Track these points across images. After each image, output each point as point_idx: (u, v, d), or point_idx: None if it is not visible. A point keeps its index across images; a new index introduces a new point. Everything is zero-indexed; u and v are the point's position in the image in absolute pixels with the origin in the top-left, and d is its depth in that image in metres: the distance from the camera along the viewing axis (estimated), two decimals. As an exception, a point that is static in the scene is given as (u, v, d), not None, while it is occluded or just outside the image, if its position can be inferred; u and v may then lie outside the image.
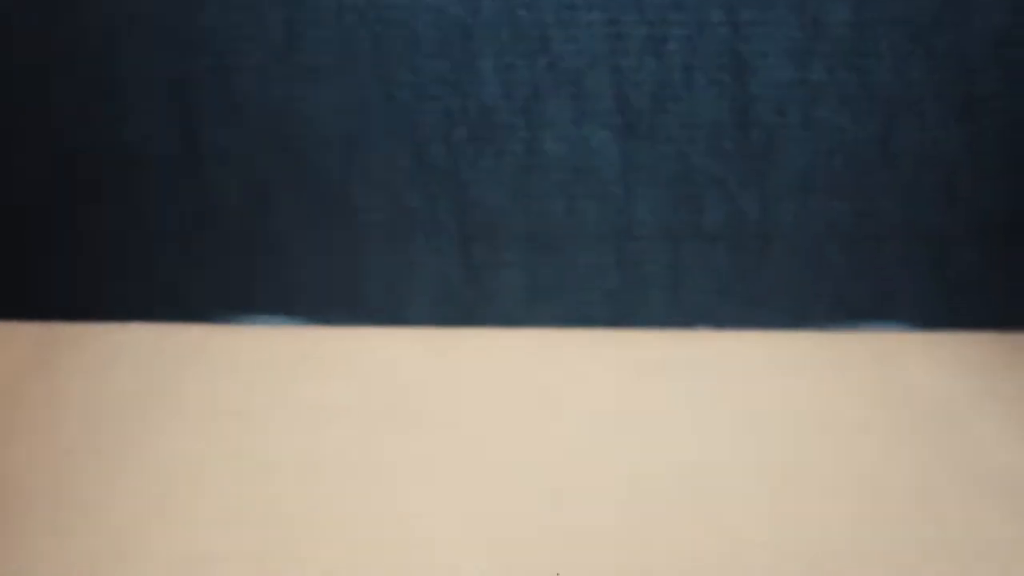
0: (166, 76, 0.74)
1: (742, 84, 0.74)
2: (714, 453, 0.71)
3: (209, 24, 0.72)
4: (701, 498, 0.68)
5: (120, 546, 0.65)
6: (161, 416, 0.74)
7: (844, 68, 0.73)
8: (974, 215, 0.74)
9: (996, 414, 0.73)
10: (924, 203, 0.76)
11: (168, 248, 0.78)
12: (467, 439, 0.72)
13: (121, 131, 0.75)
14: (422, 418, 0.74)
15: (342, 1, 0.72)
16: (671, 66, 0.73)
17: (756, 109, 0.74)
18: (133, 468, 0.70)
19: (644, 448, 0.72)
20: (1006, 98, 0.74)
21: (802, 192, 0.74)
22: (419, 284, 0.79)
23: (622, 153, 0.75)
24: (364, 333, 0.80)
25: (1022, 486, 0.68)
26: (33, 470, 0.70)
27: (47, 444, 0.72)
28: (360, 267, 0.78)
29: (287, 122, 0.75)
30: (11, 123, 0.75)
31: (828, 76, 0.73)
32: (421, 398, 0.75)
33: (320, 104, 0.74)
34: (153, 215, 0.78)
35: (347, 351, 0.78)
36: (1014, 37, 0.72)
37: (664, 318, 0.79)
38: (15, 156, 0.76)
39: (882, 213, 0.76)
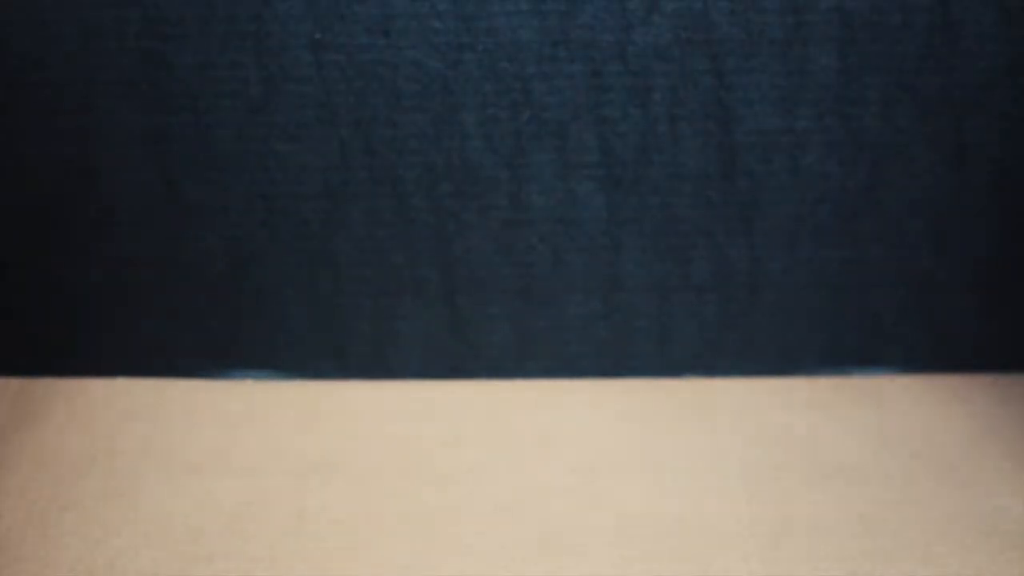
0: (145, 133, 0.74)
1: (728, 133, 0.73)
2: (706, 500, 0.71)
3: (187, 80, 0.72)
4: (693, 545, 0.68)
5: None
6: (148, 472, 0.73)
7: (830, 115, 0.73)
8: (964, 261, 0.74)
9: (991, 456, 0.73)
10: (913, 250, 0.75)
11: (151, 303, 0.78)
12: (457, 490, 0.72)
13: (100, 187, 0.75)
14: (411, 471, 0.73)
15: (320, 57, 0.71)
16: (656, 116, 0.73)
17: (742, 158, 0.74)
18: (123, 527, 0.70)
19: (636, 496, 0.71)
20: (995, 144, 0.73)
21: (790, 240, 0.74)
22: (406, 338, 0.78)
23: (608, 205, 0.75)
24: (351, 387, 0.79)
25: (1017, 529, 0.68)
26: (17, 530, 0.70)
27: (32, 503, 0.72)
28: (345, 322, 0.78)
29: (268, 178, 0.75)
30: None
31: (814, 123, 0.73)
32: (410, 451, 0.75)
33: (300, 160, 0.74)
34: (135, 270, 0.77)
35: (334, 405, 0.78)
36: (1002, 82, 0.72)
37: (653, 368, 0.78)
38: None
39: (871, 260, 0.76)
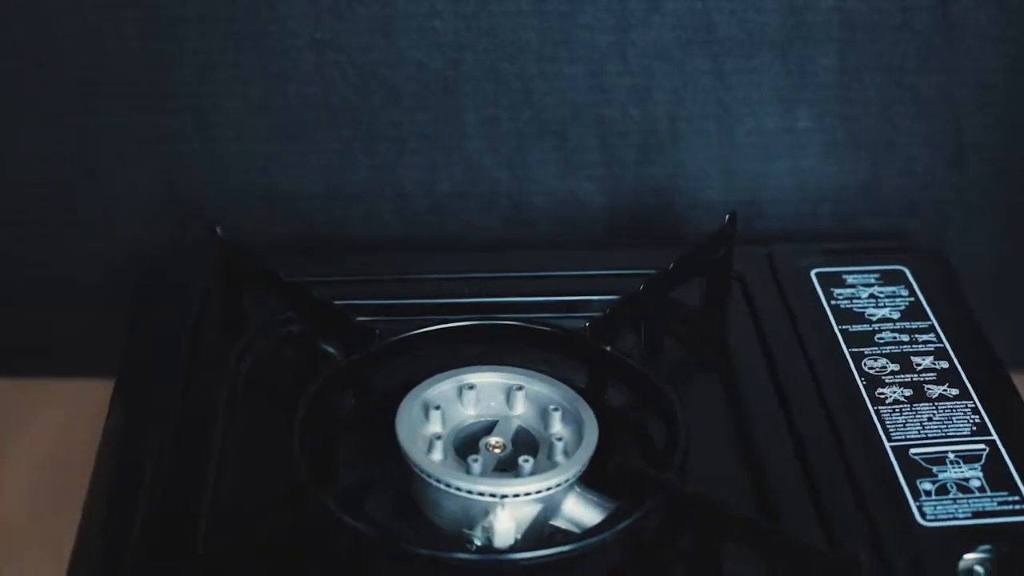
0: (146, 132, 0.73)
1: (728, 133, 0.73)
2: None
3: (187, 80, 0.72)
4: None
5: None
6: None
7: (830, 115, 0.73)
8: (964, 262, 0.74)
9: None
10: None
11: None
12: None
13: (100, 187, 0.75)
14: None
15: (322, 56, 0.71)
16: (656, 116, 0.73)
17: (742, 158, 0.74)
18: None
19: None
20: (995, 144, 0.73)
21: (788, 241, 0.74)
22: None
23: (608, 205, 0.75)
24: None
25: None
26: (17, 529, 0.70)
27: (31, 502, 0.71)
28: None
29: (269, 177, 0.74)
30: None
31: (814, 123, 0.73)
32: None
33: (302, 159, 0.74)
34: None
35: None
36: (1002, 82, 0.72)
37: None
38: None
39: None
